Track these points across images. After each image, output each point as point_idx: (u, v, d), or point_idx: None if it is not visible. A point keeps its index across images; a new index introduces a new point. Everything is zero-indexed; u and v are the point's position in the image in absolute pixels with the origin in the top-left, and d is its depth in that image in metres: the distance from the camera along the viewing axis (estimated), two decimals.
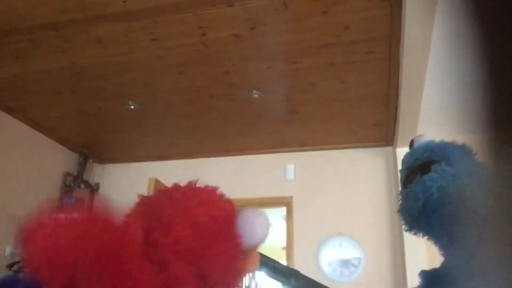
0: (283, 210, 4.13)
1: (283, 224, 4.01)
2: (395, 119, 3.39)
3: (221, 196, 0.74)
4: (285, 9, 2.31)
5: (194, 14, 2.38)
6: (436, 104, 3.21)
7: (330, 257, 3.69)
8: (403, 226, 0.99)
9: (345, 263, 3.66)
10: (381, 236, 3.62)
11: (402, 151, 3.62)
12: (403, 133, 3.41)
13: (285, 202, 3.96)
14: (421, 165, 0.96)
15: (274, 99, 3.26)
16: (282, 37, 2.55)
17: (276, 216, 7.82)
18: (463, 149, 0.97)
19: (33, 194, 3.65)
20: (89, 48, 2.72)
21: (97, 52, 2.75)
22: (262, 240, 0.74)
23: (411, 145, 1.09)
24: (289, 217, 3.91)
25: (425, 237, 0.97)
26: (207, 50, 2.69)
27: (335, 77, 2.92)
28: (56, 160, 4.07)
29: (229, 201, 0.74)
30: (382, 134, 3.70)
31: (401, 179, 1.06)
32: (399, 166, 1.06)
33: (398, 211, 1.01)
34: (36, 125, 3.78)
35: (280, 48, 2.66)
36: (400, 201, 1.01)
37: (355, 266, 3.63)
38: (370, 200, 3.75)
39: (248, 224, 0.72)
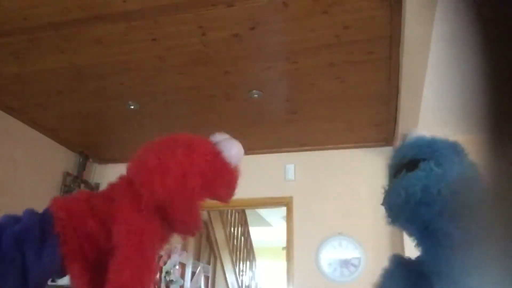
0: (283, 210, 4.13)
1: (283, 224, 4.01)
2: (395, 119, 3.39)
3: (204, 141, 1.00)
4: (285, 9, 2.31)
5: (194, 14, 2.38)
6: (436, 104, 3.21)
7: (330, 257, 3.69)
8: (386, 219, 0.98)
9: (345, 263, 3.66)
10: (381, 236, 3.63)
11: None
12: None
13: (285, 202, 3.96)
14: (408, 162, 0.94)
15: (274, 99, 3.26)
16: (282, 37, 2.55)
17: (276, 216, 7.84)
18: (454, 148, 0.93)
19: (33, 194, 3.65)
20: (89, 48, 2.72)
21: (97, 52, 2.75)
22: (241, 159, 1.06)
23: (403, 139, 1.09)
24: (289, 217, 3.91)
25: (404, 232, 0.97)
26: (207, 50, 2.69)
27: (335, 77, 2.92)
28: (56, 160, 4.07)
29: (210, 145, 1.00)
30: (382, 134, 3.70)
31: (389, 175, 1.05)
32: None
33: (381, 204, 1.00)
34: (36, 125, 3.78)
35: (280, 48, 2.66)
36: (384, 195, 1.01)
37: (355, 266, 3.63)
38: (370, 200, 3.75)
39: (231, 154, 1.01)
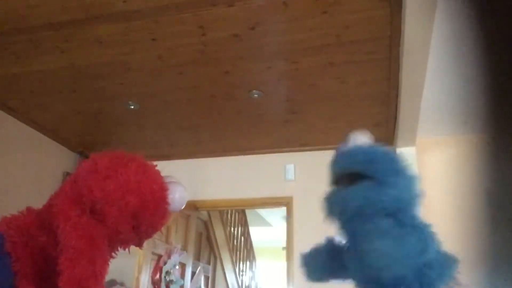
0: (283, 210, 4.13)
1: (283, 224, 4.00)
2: (395, 119, 3.39)
3: (158, 172, 1.01)
4: (285, 9, 2.31)
5: (194, 14, 2.38)
6: (436, 104, 3.21)
7: None
8: (327, 216, 1.08)
9: None
10: None
11: (402, 151, 3.62)
12: (403, 133, 3.41)
13: (285, 202, 3.96)
14: (347, 175, 1.00)
15: (274, 99, 3.26)
16: (282, 37, 2.55)
17: (276, 216, 7.83)
18: (393, 165, 0.96)
19: (33, 194, 3.65)
20: (89, 48, 2.72)
21: (97, 52, 2.75)
22: (181, 207, 1.03)
23: (346, 142, 1.12)
24: (289, 217, 3.91)
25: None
26: (207, 50, 2.69)
27: (335, 77, 2.92)
28: (56, 160, 4.07)
29: (162, 178, 1.01)
30: (382, 134, 3.70)
31: (331, 179, 1.12)
32: None
33: (323, 208, 1.09)
34: (36, 125, 3.78)
35: (280, 48, 2.66)
36: (324, 202, 1.08)
37: None
38: None
39: (174, 197, 0.99)
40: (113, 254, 0.96)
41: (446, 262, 0.84)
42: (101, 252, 0.85)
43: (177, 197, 1.01)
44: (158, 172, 1.01)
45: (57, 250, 0.81)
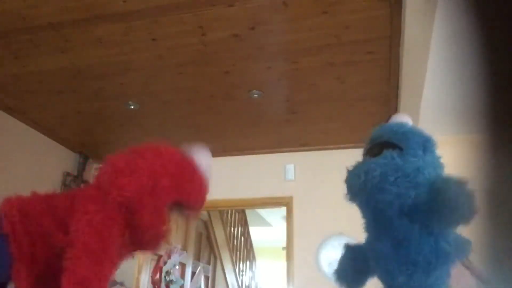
0: (283, 210, 4.13)
1: (283, 224, 4.00)
2: None
3: (173, 150, 1.09)
4: (285, 9, 2.31)
5: (194, 14, 2.38)
6: (436, 104, 3.21)
7: (330, 257, 3.69)
8: (346, 196, 1.06)
9: None
10: None
11: None
12: None
13: (285, 202, 3.96)
14: (380, 144, 0.98)
15: (274, 99, 3.26)
16: (282, 37, 2.55)
17: (276, 216, 7.83)
18: (424, 142, 0.96)
19: None
20: (89, 48, 2.72)
21: (97, 52, 2.75)
22: (210, 170, 1.11)
23: (387, 120, 1.12)
24: (289, 217, 3.91)
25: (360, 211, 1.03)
26: (207, 50, 2.69)
27: (335, 77, 2.92)
28: (56, 160, 4.07)
29: (179, 154, 1.09)
30: None
31: (364, 149, 1.10)
32: None
33: (345, 181, 1.09)
34: (36, 125, 3.78)
35: (280, 48, 2.66)
36: (347, 173, 1.07)
37: None
38: None
39: (202, 164, 1.06)
40: (123, 258, 0.96)
41: (462, 242, 0.85)
42: (110, 255, 0.83)
43: (204, 163, 1.07)
44: (173, 150, 1.04)
45: (65, 241, 0.80)
